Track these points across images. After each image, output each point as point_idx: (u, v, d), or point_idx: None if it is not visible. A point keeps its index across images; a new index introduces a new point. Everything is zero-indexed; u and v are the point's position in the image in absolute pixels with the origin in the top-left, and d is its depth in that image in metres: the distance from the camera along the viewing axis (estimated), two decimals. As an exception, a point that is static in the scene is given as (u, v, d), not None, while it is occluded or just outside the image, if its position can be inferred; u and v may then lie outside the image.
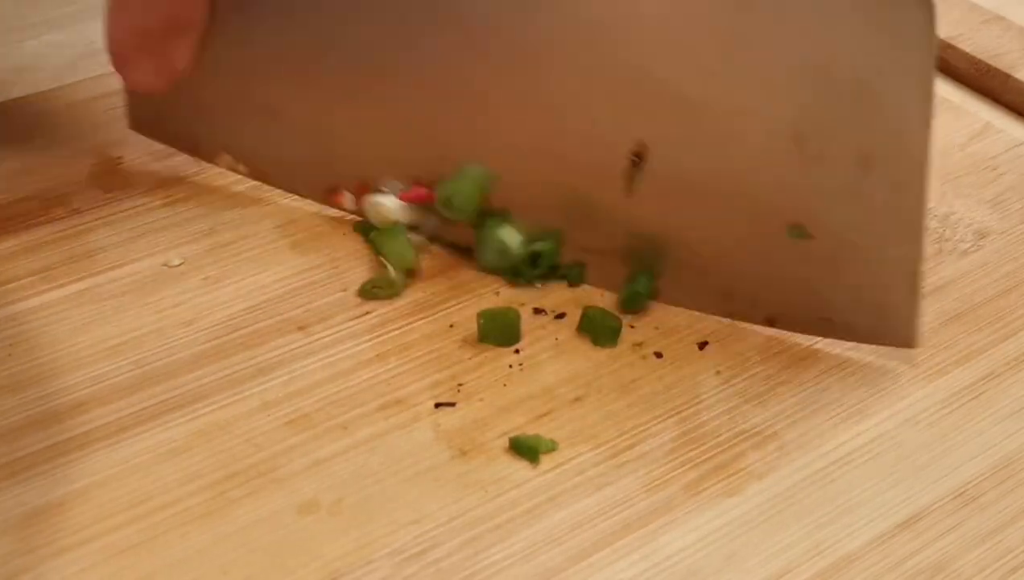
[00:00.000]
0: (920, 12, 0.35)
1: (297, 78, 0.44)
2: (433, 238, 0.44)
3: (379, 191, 0.44)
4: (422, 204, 0.44)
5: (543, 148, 0.42)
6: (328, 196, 0.45)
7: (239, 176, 0.47)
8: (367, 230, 0.44)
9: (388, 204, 0.44)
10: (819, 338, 0.42)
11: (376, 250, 0.44)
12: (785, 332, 0.42)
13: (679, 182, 0.41)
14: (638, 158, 0.41)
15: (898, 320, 0.41)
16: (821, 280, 0.41)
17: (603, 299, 0.43)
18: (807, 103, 0.38)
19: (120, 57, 0.42)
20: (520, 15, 0.40)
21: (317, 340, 0.41)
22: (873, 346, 0.41)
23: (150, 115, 0.47)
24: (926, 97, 0.37)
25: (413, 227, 0.44)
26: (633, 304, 0.42)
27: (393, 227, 0.44)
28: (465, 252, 0.44)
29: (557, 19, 0.40)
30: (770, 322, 0.42)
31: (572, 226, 0.43)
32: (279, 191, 0.46)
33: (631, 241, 0.42)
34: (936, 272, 0.45)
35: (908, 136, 0.38)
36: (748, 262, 0.41)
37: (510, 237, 0.43)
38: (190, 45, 0.43)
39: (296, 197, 0.46)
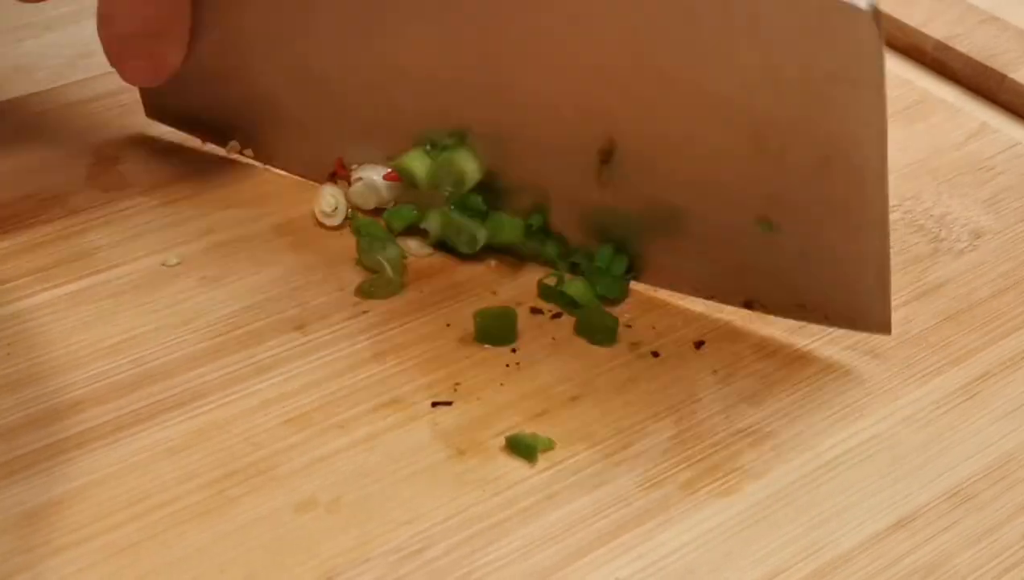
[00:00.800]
0: (866, 25, 0.35)
1: (287, 66, 0.45)
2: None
3: (361, 177, 0.45)
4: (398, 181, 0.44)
5: (518, 137, 0.42)
6: (329, 180, 0.46)
7: (237, 174, 0.47)
8: (361, 230, 0.44)
9: (376, 178, 0.44)
10: (816, 338, 0.42)
11: (361, 256, 0.43)
12: (782, 332, 0.42)
13: (650, 175, 0.41)
14: (607, 155, 0.41)
15: (870, 307, 0.41)
16: (793, 269, 0.41)
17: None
18: (764, 104, 0.38)
19: (115, 57, 0.44)
20: (495, 9, 0.40)
21: (315, 339, 0.41)
22: (870, 346, 0.41)
23: (163, 104, 0.48)
24: (879, 104, 0.37)
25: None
26: (609, 290, 0.43)
27: (382, 234, 0.44)
28: (463, 253, 0.44)
29: (532, 15, 0.40)
30: (748, 305, 0.42)
31: (548, 210, 0.43)
32: (276, 189, 0.46)
33: (607, 221, 0.43)
34: (931, 272, 0.45)
35: (864, 140, 0.38)
36: (723, 249, 0.42)
37: (467, 162, 0.43)
38: (178, 43, 0.44)
39: (294, 195, 0.46)
